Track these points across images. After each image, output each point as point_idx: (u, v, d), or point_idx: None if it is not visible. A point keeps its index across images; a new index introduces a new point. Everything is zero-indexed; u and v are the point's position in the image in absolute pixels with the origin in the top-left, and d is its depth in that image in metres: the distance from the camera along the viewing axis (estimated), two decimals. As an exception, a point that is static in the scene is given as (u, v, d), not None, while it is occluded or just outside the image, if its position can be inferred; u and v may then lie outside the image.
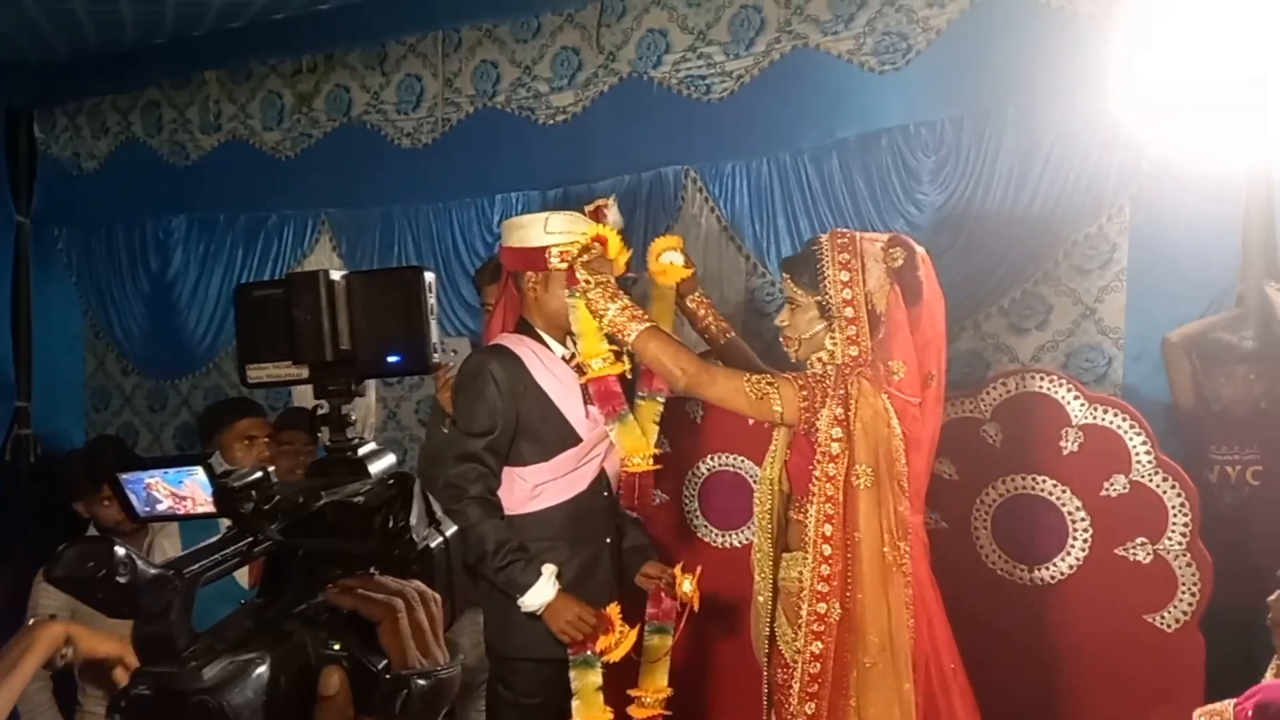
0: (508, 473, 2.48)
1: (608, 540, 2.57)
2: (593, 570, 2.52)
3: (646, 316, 2.30)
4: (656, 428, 2.53)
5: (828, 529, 2.13)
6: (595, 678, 2.40)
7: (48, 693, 2.69)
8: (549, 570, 2.37)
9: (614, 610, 2.42)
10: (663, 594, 2.55)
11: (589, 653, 2.39)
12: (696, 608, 2.52)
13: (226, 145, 4.58)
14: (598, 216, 2.49)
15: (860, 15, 3.38)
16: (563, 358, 2.51)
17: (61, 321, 5.01)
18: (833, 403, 2.13)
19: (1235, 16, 2.79)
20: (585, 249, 2.35)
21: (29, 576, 2.75)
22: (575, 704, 2.40)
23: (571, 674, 2.41)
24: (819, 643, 2.13)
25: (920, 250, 2.22)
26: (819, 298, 2.20)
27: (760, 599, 2.38)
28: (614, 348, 2.40)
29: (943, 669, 2.19)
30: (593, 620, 2.37)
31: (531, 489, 2.48)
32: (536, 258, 2.44)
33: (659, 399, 2.52)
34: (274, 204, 4.43)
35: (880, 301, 2.18)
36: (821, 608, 2.13)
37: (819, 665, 2.13)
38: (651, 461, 2.46)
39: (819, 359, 2.23)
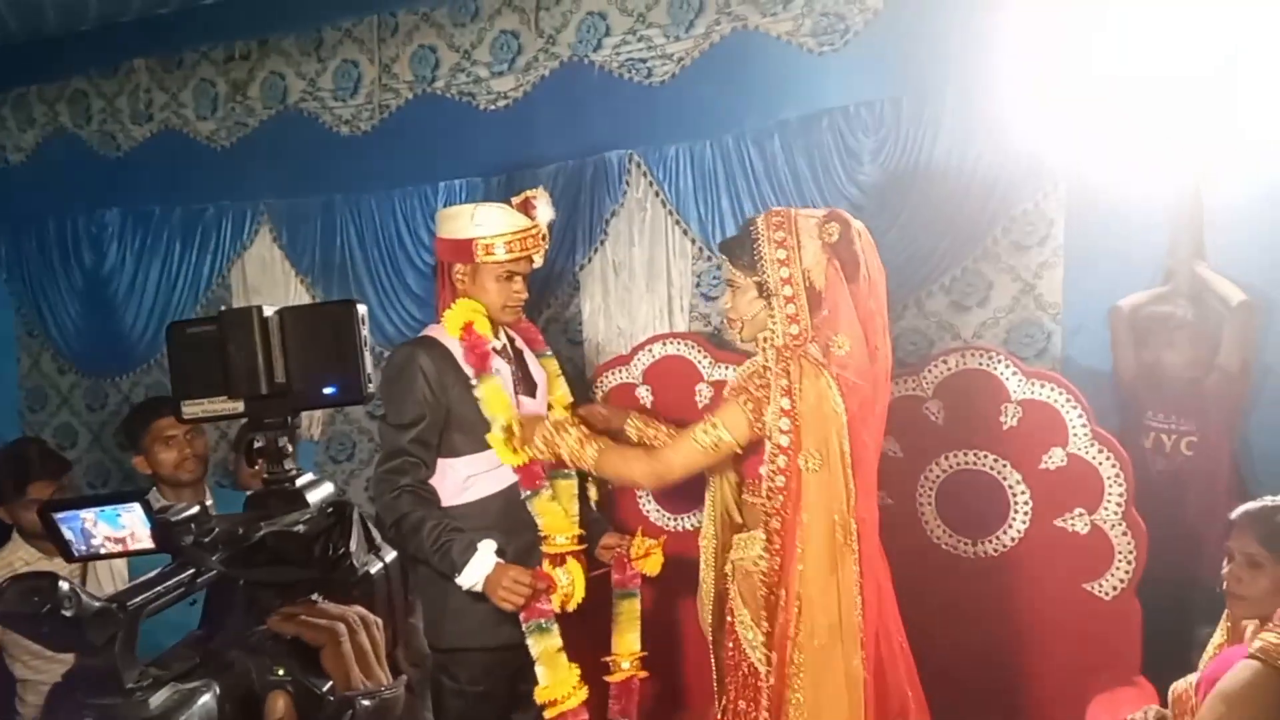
0: (441, 464, 2.47)
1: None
2: (526, 559, 2.51)
3: (598, 439, 2.36)
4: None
5: (775, 523, 2.15)
6: (554, 639, 2.39)
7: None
8: (487, 545, 2.37)
9: (546, 566, 2.43)
10: (626, 561, 2.57)
11: (539, 619, 2.38)
12: (657, 571, 2.55)
13: (159, 136, 4.46)
14: (526, 209, 2.48)
15: (798, -4, 3.38)
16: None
17: (-8, 320, 4.86)
18: (776, 395, 2.14)
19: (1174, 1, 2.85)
20: (509, 431, 2.42)
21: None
22: (539, 670, 2.38)
23: (530, 641, 2.39)
24: (766, 623, 2.19)
25: (857, 224, 2.22)
26: (757, 278, 2.21)
27: (705, 584, 2.42)
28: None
29: (892, 644, 2.22)
30: (528, 579, 2.35)
31: (464, 480, 2.48)
32: (464, 249, 2.43)
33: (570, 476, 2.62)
34: (211, 195, 4.32)
35: (819, 277, 2.17)
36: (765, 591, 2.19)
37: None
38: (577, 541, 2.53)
39: (763, 338, 2.24)
